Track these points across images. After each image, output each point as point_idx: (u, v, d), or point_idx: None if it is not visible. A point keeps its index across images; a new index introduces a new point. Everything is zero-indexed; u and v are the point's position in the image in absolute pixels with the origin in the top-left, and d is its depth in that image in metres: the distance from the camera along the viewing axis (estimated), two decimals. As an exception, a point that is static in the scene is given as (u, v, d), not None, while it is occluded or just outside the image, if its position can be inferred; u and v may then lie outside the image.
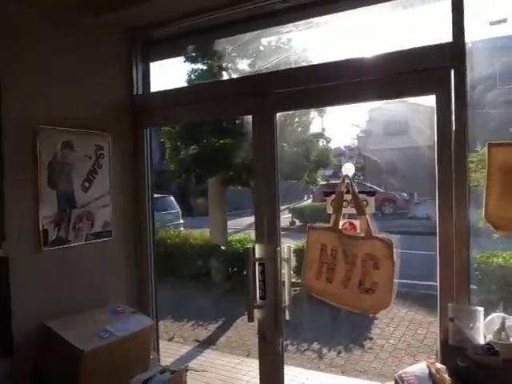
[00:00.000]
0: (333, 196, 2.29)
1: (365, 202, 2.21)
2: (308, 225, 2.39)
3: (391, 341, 5.29)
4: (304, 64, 2.63)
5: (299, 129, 9.17)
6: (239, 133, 7.73)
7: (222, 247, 8.07)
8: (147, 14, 2.78)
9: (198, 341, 5.41)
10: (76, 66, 2.64)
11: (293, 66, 2.81)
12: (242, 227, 11.49)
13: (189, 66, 8.02)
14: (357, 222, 2.24)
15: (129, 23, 2.91)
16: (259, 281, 2.54)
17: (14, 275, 2.28)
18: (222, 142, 8.08)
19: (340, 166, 2.38)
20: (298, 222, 11.63)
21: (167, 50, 3.23)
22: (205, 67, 8.09)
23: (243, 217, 12.16)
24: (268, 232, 2.52)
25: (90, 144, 2.69)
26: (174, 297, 6.80)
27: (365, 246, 2.11)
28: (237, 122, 7.82)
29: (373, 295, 2.04)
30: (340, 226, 2.25)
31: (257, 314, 2.54)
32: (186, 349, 5.15)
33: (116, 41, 2.94)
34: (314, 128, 9.70)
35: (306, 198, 15.49)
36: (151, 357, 2.72)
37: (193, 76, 8.01)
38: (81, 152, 2.63)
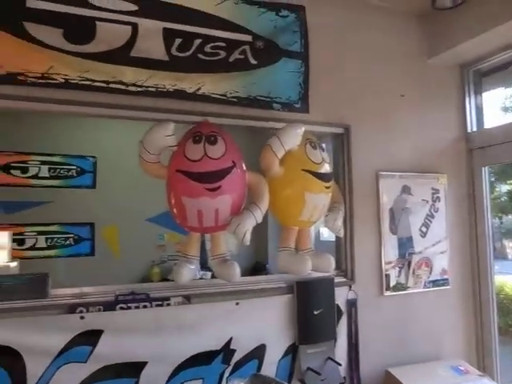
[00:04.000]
0: None
1: None
2: None
3: None
4: None
5: None
6: None
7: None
8: (477, 46, 2.57)
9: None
10: (411, 110, 2.66)
11: None
12: None
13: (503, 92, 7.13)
14: None
15: (458, 59, 2.76)
16: None
17: (360, 317, 2.38)
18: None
19: None
20: None
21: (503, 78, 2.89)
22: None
23: None
24: None
25: (426, 187, 2.62)
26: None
27: None
28: None
29: None
30: None
31: None
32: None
33: (446, 79, 2.83)
34: None
35: None
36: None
37: (507, 102, 7.08)
38: (417, 196, 2.59)
